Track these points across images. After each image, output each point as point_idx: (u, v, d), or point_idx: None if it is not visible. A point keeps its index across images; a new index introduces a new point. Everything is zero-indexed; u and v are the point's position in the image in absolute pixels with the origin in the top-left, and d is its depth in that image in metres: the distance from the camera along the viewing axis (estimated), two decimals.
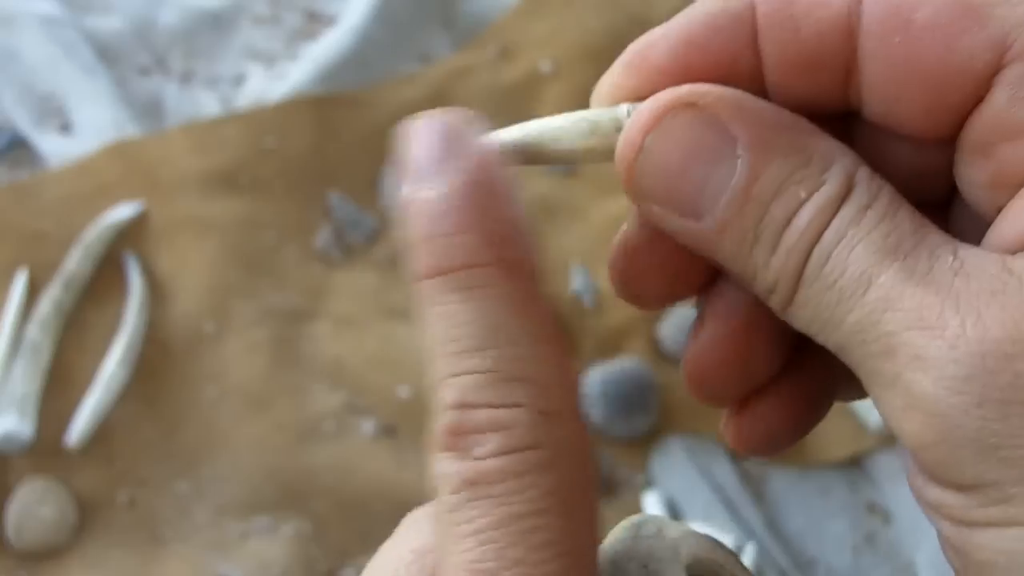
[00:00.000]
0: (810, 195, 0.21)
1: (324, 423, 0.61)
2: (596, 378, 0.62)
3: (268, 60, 0.75)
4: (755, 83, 0.22)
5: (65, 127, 0.70)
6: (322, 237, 0.67)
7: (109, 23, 0.74)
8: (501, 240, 0.21)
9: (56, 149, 0.68)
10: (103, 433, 0.60)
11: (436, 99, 0.73)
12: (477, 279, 0.20)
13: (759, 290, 0.22)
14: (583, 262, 0.67)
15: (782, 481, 0.62)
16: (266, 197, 0.68)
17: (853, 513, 0.61)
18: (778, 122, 0.21)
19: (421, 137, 0.22)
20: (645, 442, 0.62)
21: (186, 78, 0.74)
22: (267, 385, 0.62)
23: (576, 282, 0.67)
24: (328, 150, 0.70)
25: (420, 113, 0.22)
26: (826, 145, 0.21)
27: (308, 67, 0.73)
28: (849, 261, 0.20)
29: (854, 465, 0.62)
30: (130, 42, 0.74)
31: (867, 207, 0.21)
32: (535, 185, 0.70)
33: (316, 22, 0.77)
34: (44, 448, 0.59)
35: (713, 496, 0.60)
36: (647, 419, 0.62)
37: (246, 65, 0.74)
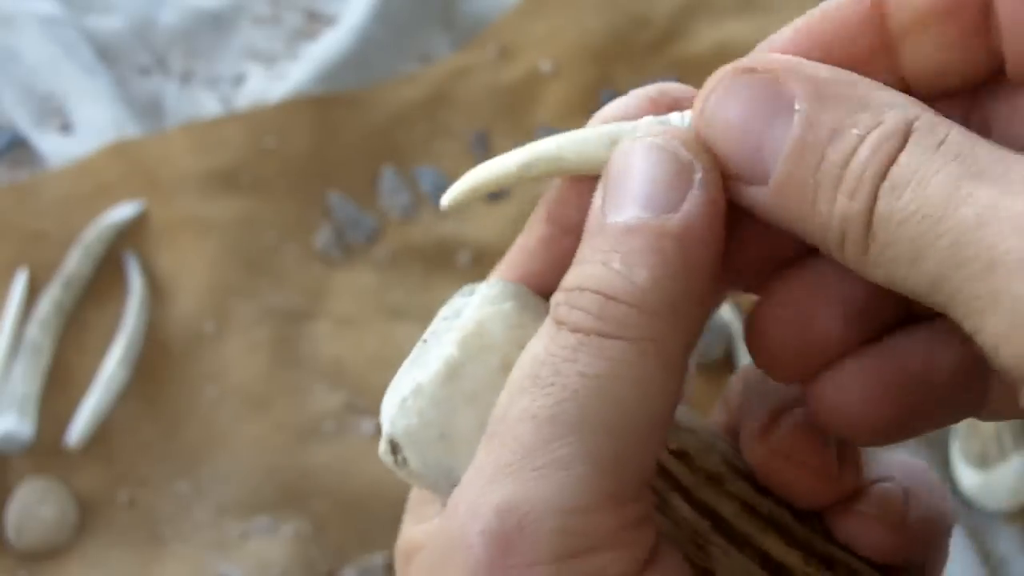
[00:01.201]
0: (867, 133, 0.20)
1: (324, 423, 0.61)
2: None
3: (268, 60, 0.75)
4: (886, 73, 0.22)
5: (65, 127, 0.70)
6: (322, 237, 0.67)
7: (109, 23, 0.74)
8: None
9: (56, 149, 0.68)
10: (103, 433, 0.60)
11: (436, 99, 0.73)
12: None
13: (832, 247, 0.21)
14: None
15: None
16: (266, 197, 0.68)
17: None
18: (836, 77, 0.21)
19: (649, 161, 0.22)
20: None
21: (186, 78, 0.74)
22: (267, 385, 0.62)
23: None
24: (328, 150, 0.70)
25: (641, 133, 0.22)
26: (888, 94, 0.20)
27: (308, 67, 0.73)
28: (930, 190, 0.19)
29: None
30: (130, 42, 0.74)
31: (939, 143, 0.19)
32: (536, 186, 0.70)
33: (316, 22, 0.77)
34: (44, 448, 0.59)
35: None
36: None
37: (246, 65, 0.74)
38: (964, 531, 0.59)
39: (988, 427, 0.60)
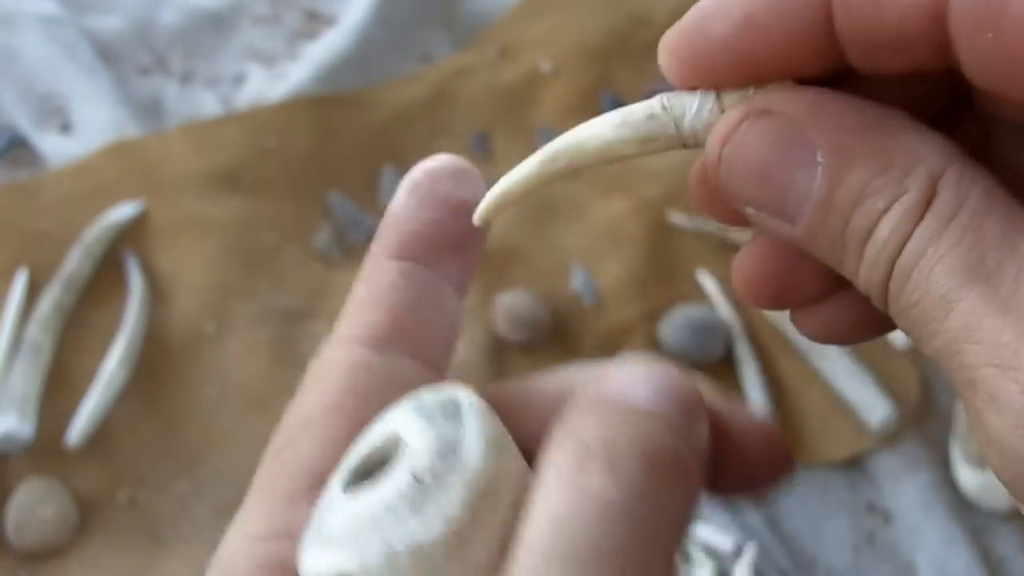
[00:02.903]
0: (889, 205, 0.20)
1: None
2: None
3: (268, 60, 0.75)
4: (828, 61, 0.21)
5: (65, 127, 0.70)
6: (322, 237, 0.67)
7: (109, 23, 0.74)
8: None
9: (56, 149, 0.68)
10: (103, 433, 0.60)
11: (436, 99, 0.73)
12: None
13: (859, 289, 0.21)
14: (583, 262, 0.67)
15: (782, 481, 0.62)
16: (266, 197, 0.68)
17: (853, 513, 0.61)
18: (858, 122, 0.20)
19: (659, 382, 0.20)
20: None
21: (186, 78, 0.74)
22: (267, 385, 0.62)
23: (576, 282, 0.67)
24: (328, 150, 0.70)
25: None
26: (911, 142, 0.20)
27: (308, 67, 0.73)
28: (930, 282, 0.19)
29: (854, 465, 0.62)
30: (130, 42, 0.74)
31: (951, 218, 0.19)
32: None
33: (316, 22, 0.77)
34: (44, 448, 0.59)
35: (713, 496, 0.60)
36: None
37: (246, 65, 0.74)
38: (964, 531, 0.59)
39: None
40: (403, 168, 0.71)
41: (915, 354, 0.65)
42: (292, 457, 0.22)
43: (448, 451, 0.19)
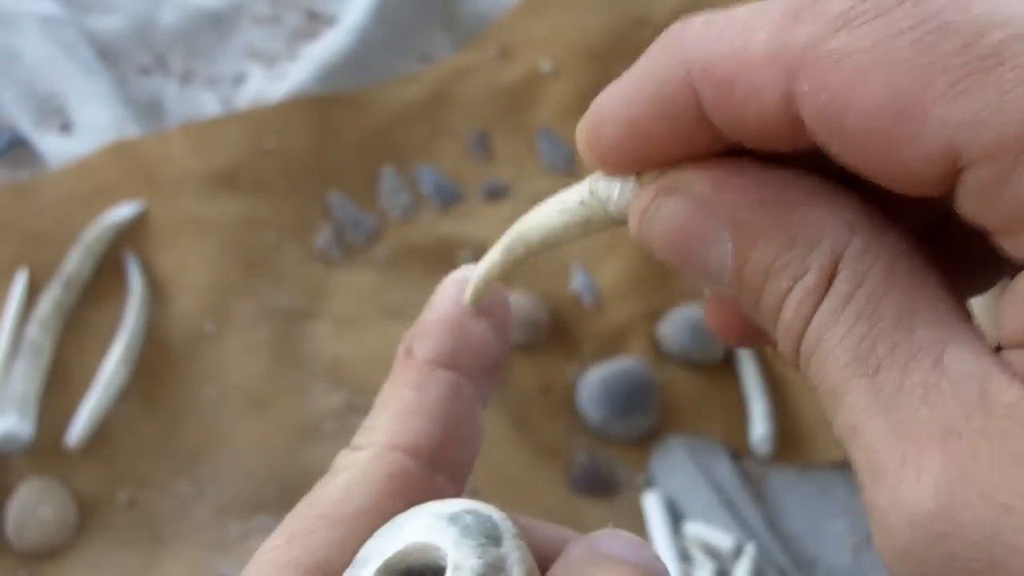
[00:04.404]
0: (792, 285, 0.20)
1: (324, 423, 0.61)
2: (596, 378, 0.62)
3: (268, 60, 0.75)
4: (719, 144, 0.21)
5: (65, 127, 0.70)
6: (322, 237, 0.67)
7: (109, 23, 0.74)
8: None
9: (56, 149, 0.68)
10: (103, 433, 0.60)
11: (436, 99, 0.73)
12: None
13: None
14: (583, 262, 0.67)
15: (782, 481, 0.62)
16: (266, 197, 0.68)
17: (853, 513, 0.61)
18: (761, 197, 0.20)
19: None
20: (645, 442, 0.62)
21: (186, 78, 0.74)
22: (267, 385, 0.62)
23: (576, 282, 0.67)
24: (328, 150, 0.70)
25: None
26: (816, 215, 0.20)
27: (308, 67, 0.73)
28: (826, 370, 0.19)
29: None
30: (130, 42, 0.74)
31: (848, 299, 0.19)
32: (536, 185, 0.70)
33: (316, 22, 0.77)
34: (44, 448, 0.59)
35: (713, 496, 0.60)
36: (647, 419, 0.62)
37: (246, 65, 0.74)
38: None
39: None
40: (403, 168, 0.71)
41: None
42: (312, 549, 0.22)
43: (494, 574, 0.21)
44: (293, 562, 0.21)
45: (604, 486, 0.61)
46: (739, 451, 0.62)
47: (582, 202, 0.23)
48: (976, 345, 0.18)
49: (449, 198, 0.70)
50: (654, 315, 0.65)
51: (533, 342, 0.64)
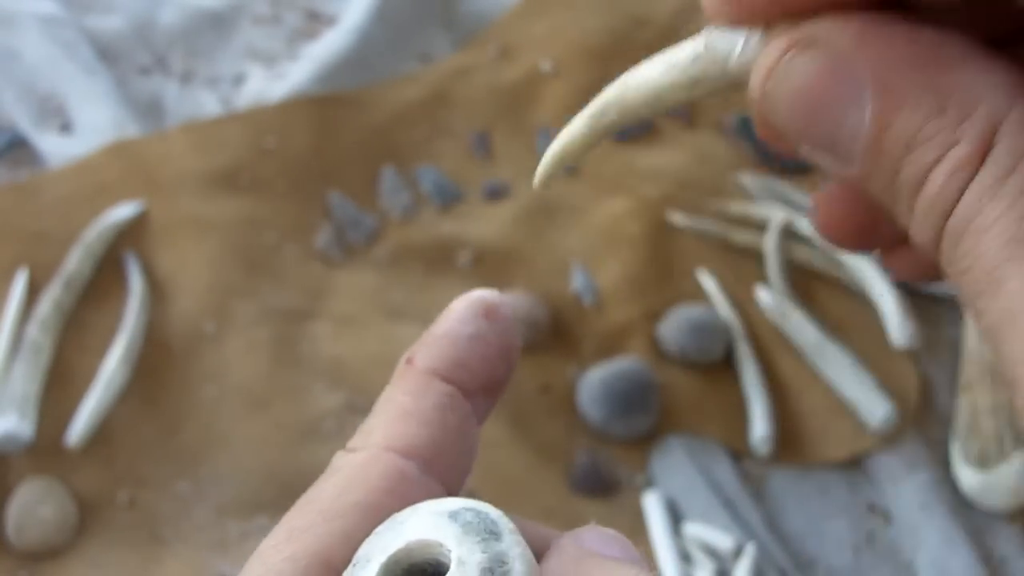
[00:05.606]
0: (940, 157, 0.18)
1: (324, 423, 0.61)
2: (596, 378, 0.62)
3: (268, 60, 0.75)
4: None
5: (65, 127, 0.70)
6: (322, 237, 0.67)
7: (109, 23, 0.74)
8: None
9: (56, 149, 0.68)
10: (103, 433, 0.60)
11: (436, 99, 0.73)
12: None
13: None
14: (583, 262, 0.67)
15: (782, 481, 0.62)
16: (266, 197, 0.68)
17: (853, 513, 0.61)
18: (911, 56, 0.18)
19: None
20: (645, 442, 0.62)
21: (186, 78, 0.74)
22: (267, 385, 0.62)
23: (576, 282, 0.67)
24: (328, 150, 0.70)
25: None
26: (970, 79, 0.18)
27: (308, 67, 0.73)
28: (981, 250, 0.17)
29: (854, 465, 0.62)
30: (130, 42, 0.74)
31: (1007, 174, 0.17)
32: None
33: (316, 22, 0.77)
34: (44, 448, 0.59)
35: (713, 496, 0.60)
36: (647, 419, 0.62)
37: (246, 65, 0.75)
38: (964, 531, 0.59)
39: (988, 428, 0.60)
40: (403, 168, 0.71)
41: (915, 354, 0.65)
42: (311, 543, 0.21)
43: (497, 571, 0.20)
44: (293, 557, 0.21)
45: (604, 486, 0.61)
46: (739, 451, 0.62)
47: (696, 58, 0.21)
48: None
49: (449, 198, 0.70)
50: (654, 315, 0.65)
51: (533, 342, 0.64)
